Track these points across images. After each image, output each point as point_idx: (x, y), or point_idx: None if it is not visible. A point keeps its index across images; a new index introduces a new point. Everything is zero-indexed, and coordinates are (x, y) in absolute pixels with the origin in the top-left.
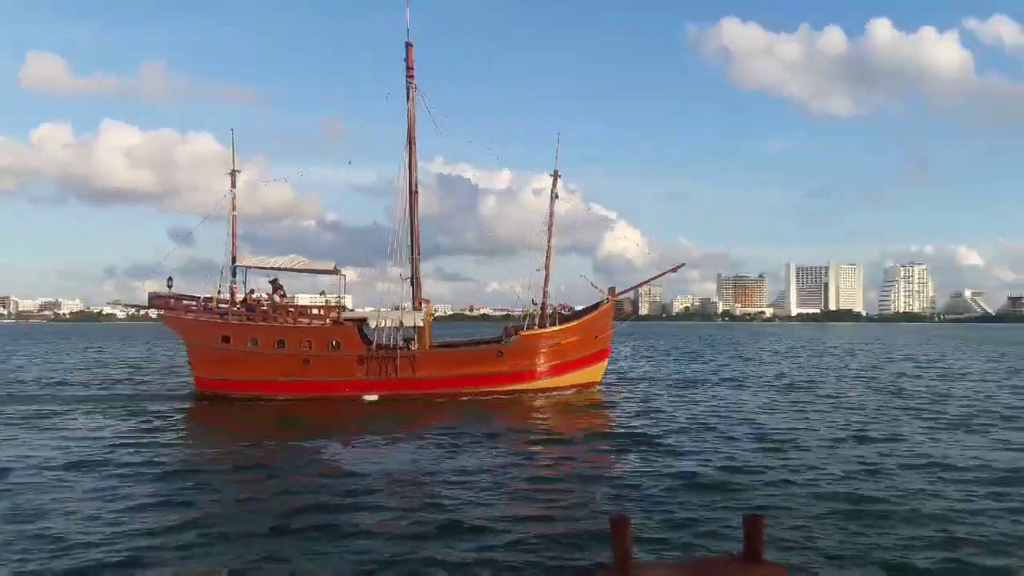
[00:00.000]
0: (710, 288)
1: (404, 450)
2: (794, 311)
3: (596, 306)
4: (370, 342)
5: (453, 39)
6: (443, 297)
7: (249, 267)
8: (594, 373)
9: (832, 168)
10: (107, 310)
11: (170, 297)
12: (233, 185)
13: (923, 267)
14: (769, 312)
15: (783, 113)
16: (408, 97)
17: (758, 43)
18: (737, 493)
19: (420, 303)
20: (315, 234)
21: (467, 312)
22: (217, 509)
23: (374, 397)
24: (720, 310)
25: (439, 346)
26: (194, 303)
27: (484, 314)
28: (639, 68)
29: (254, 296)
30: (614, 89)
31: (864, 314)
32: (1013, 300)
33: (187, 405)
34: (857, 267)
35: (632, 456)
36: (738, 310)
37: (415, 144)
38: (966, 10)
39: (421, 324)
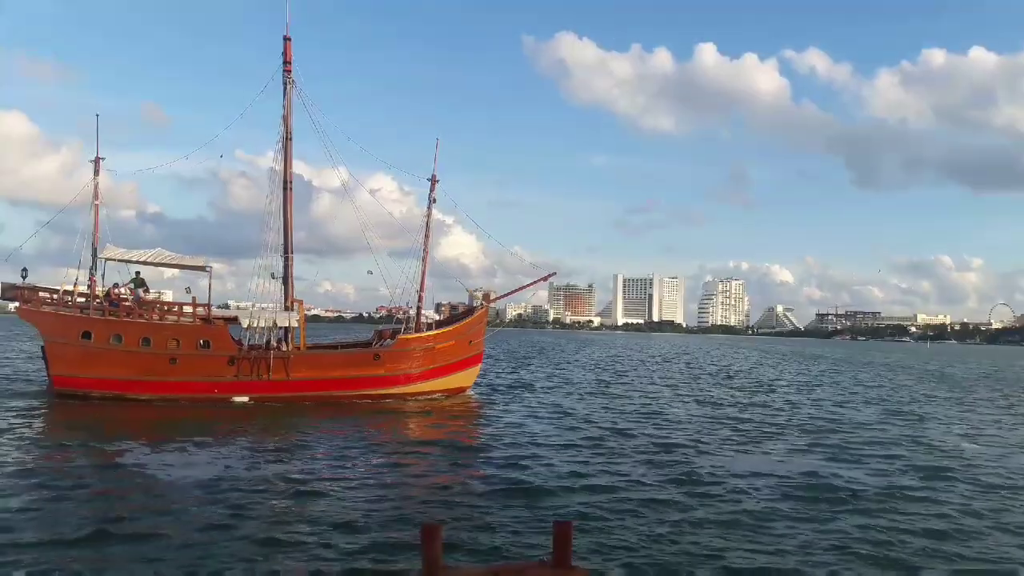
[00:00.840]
0: (542, 296)
1: (250, 454)
2: (620, 321)
3: (471, 311)
4: (240, 342)
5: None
6: (273, 296)
7: (110, 259)
8: (467, 378)
9: (659, 184)
10: None
11: (25, 288)
12: (96, 173)
13: (739, 282)
14: (597, 321)
15: (614, 128)
16: (285, 92)
17: (592, 59)
18: (556, 500)
19: (292, 303)
20: (135, 226)
21: None
22: (31, 515)
23: (245, 399)
24: (551, 318)
25: (312, 347)
26: (51, 296)
27: (316, 315)
28: (477, 76)
29: (117, 290)
30: (451, 93)
31: (684, 325)
32: (820, 316)
33: (41, 403)
34: (679, 280)
35: (463, 463)
36: (568, 318)
37: (291, 139)
38: (785, 41)
39: (296, 325)
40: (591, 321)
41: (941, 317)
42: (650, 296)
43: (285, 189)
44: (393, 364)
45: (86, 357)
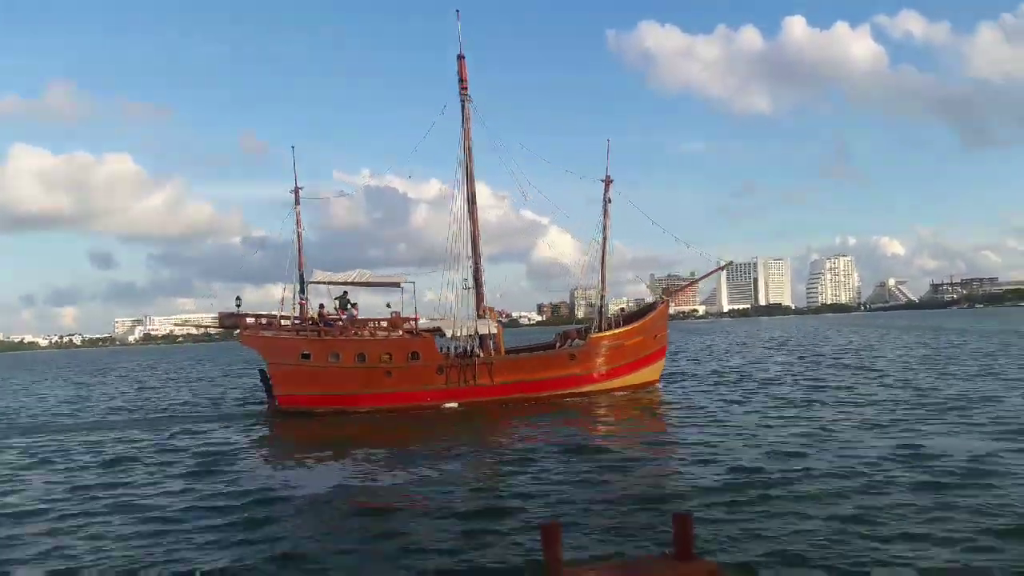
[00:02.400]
0: (643, 289)
1: (475, 457)
2: (726, 307)
3: (653, 306)
4: (447, 351)
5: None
6: (378, 309)
7: (319, 283)
8: (654, 372)
9: (756, 165)
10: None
11: (243, 315)
12: (297, 203)
13: (848, 258)
14: (702, 310)
15: (705, 113)
16: (463, 110)
17: (678, 45)
18: (706, 496)
19: (484, 311)
20: (242, 251)
21: None
22: (301, 523)
23: (454, 405)
24: None
25: (509, 352)
26: (260, 320)
27: None
28: (561, 74)
29: (325, 310)
30: (537, 95)
31: (793, 307)
32: (935, 287)
33: (273, 421)
34: (784, 261)
35: (606, 462)
36: (672, 309)
37: (472, 156)
38: (876, 6)
39: (495, 332)
40: (696, 310)
41: None
42: (755, 280)
43: (471, 204)
44: (587, 363)
45: (307, 376)
